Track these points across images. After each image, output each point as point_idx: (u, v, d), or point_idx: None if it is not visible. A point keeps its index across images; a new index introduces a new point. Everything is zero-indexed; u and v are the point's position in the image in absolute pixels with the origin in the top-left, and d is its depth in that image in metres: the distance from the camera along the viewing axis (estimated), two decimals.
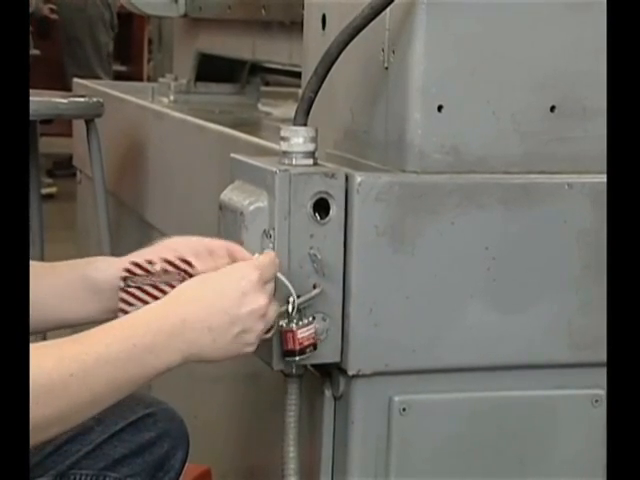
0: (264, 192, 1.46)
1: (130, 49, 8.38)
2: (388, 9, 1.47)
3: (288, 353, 1.44)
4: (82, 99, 2.86)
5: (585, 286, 1.53)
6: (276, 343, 1.45)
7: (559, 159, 1.55)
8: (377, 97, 1.55)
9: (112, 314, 1.50)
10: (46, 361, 1.22)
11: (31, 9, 6.36)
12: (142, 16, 4.49)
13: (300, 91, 1.60)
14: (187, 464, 1.67)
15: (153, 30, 7.87)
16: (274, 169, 1.44)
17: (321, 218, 1.45)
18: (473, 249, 1.49)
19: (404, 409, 1.50)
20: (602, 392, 1.54)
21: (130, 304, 1.45)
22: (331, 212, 1.45)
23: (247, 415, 1.95)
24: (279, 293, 1.42)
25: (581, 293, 1.53)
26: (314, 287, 1.45)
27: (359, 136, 1.61)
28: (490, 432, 1.54)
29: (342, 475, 1.53)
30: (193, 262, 1.46)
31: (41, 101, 2.75)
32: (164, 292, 1.44)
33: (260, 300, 1.35)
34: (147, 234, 2.55)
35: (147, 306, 1.37)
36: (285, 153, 1.48)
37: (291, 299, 1.43)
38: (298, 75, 1.86)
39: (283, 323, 1.44)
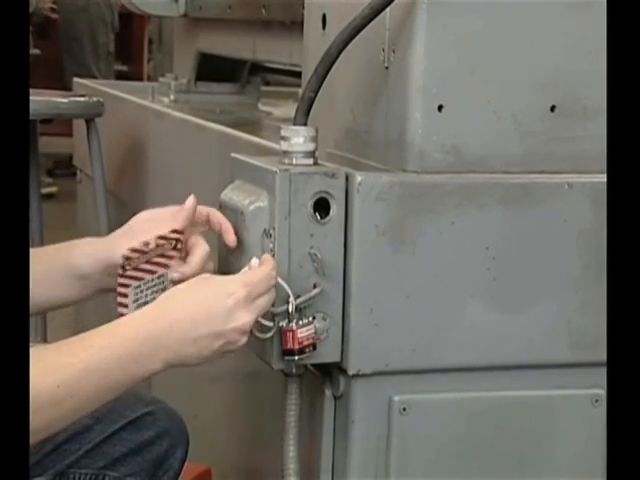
0: (264, 192, 1.46)
1: (130, 49, 8.38)
2: (388, 9, 1.47)
3: (287, 352, 1.44)
4: (82, 99, 2.86)
5: (585, 286, 1.53)
6: (276, 343, 1.45)
7: (559, 159, 1.55)
8: (377, 97, 1.55)
9: (100, 293, 1.53)
10: (32, 373, 1.22)
11: (31, 9, 6.35)
12: (142, 16, 4.48)
13: (300, 91, 1.60)
14: (187, 463, 1.67)
15: (153, 30, 7.87)
16: (274, 169, 1.44)
17: (321, 218, 1.45)
18: (473, 249, 1.49)
19: (404, 409, 1.50)
20: (602, 392, 1.54)
21: (127, 286, 1.47)
22: (331, 212, 1.45)
23: (247, 415, 1.95)
24: (279, 293, 1.42)
25: (581, 293, 1.53)
26: (314, 287, 1.45)
27: (359, 136, 1.61)
28: (490, 432, 1.54)
29: (342, 475, 1.53)
30: (180, 229, 1.49)
31: (41, 101, 2.75)
32: (158, 264, 1.48)
33: (245, 318, 1.36)
34: None
35: (134, 314, 1.38)
36: (285, 153, 1.48)
37: (290, 299, 1.43)
38: (298, 75, 1.86)
39: (283, 323, 1.44)
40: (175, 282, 1.47)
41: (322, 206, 1.45)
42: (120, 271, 1.46)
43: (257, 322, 1.40)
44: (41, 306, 1.54)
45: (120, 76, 7.55)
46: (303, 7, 1.77)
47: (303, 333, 1.43)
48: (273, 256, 1.44)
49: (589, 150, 1.55)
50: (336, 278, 1.46)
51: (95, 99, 2.83)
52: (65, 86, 5.09)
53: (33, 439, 1.24)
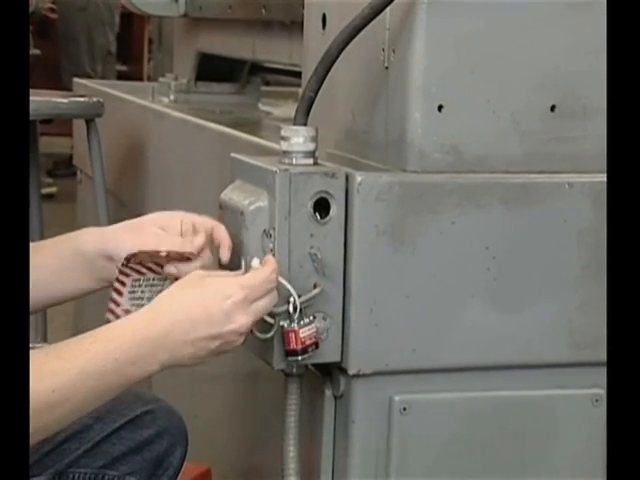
0: (264, 192, 1.46)
1: (130, 49, 8.37)
2: (388, 9, 1.47)
3: (291, 353, 1.44)
4: (82, 99, 2.86)
5: (585, 285, 1.53)
6: (277, 342, 1.45)
7: (559, 159, 1.55)
8: (377, 97, 1.55)
9: (106, 283, 1.52)
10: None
11: (31, 9, 6.35)
12: (142, 16, 4.49)
13: (300, 91, 1.60)
14: (186, 463, 1.67)
15: (153, 30, 7.87)
16: (274, 169, 1.44)
17: (321, 218, 1.45)
18: (473, 249, 1.49)
19: (404, 409, 1.50)
20: (602, 392, 1.54)
21: (127, 275, 1.47)
22: (331, 212, 1.45)
23: (247, 415, 1.95)
24: (279, 293, 1.42)
25: (581, 292, 1.53)
26: (314, 287, 1.45)
27: (359, 136, 1.61)
28: (490, 432, 1.54)
29: (342, 474, 1.53)
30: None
31: (41, 101, 2.75)
32: (162, 266, 1.47)
33: (242, 320, 1.36)
34: None
35: (130, 316, 1.38)
36: (285, 153, 1.48)
37: (292, 299, 1.43)
38: (298, 75, 1.86)
39: (284, 323, 1.44)
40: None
41: (322, 206, 1.45)
42: (123, 262, 1.46)
43: (257, 322, 1.40)
44: (50, 298, 1.54)
45: (120, 76, 7.55)
46: (303, 7, 1.77)
47: (305, 333, 1.43)
48: (273, 256, 1.44)
49: (589, 150, 1.55)
50: (336, 278, 1.46)
51: (95, 99, 2.83)
52: (62, 86, 5.10)
53: (30, 442, 1.24)
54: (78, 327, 3.38)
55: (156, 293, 1.46)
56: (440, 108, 1.49)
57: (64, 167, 6.98)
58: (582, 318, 1.54)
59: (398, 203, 1.46)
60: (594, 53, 1.51)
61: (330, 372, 1.52)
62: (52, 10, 7.46)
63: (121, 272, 1.47)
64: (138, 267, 1.47)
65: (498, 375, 1.54)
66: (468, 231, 1.49)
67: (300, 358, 1.44)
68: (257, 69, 3.05)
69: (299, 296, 1.44)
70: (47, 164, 7.00)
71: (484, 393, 1.54)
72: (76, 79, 3.67)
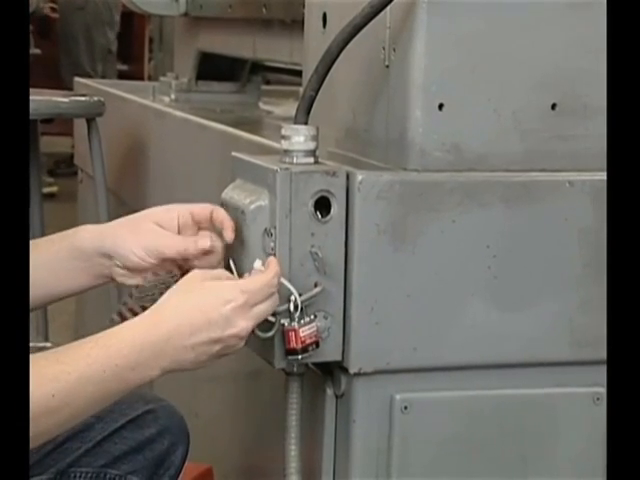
0: (265, 191, 1.46)
1: (131, 48, 8.38)
2: (389, 7, 1.47)
3: (291, 352, 1.44)
4: (83, 98, 2.86)
5: (586, 284, 1.53)
6: (278, 341, 1.45)
7: (560, 157, 1.55)
8: (378, 95, 1.55)
9: (104, 279, 1.52)
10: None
11: (32, 8, 6.36)
12: (143, 15, 4.48)
13: (301, 90, 1.60)
14: (188, 462, 1.67)
15: (154, 29, 7.87)
16: (275, 168, 1.44)
17: (322, 216, 1.45)
18: (474, 247, 1.49)
19: (405, 407, 1.50)
20: (603, 390, 1.54)
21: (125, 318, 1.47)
22: (332, 210, 1.45)
23: (248, 414, 1.95)
24: (280, 292, 1.42)
25: (582, 291, 1.53)
26: (315, 285, 1.45)
27: (360, 134, 1.61)
28: (491, 430, 1.54)
29: (344, 473, 1.53)
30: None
31: (42, 100, 2.75)
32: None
33: (243, 324, 1.36)
34: None
35: (131, 321, 1.37)
36: (286, 152, 1.48)
37: (292, 298, 1.43)
38: (299, 74, 1.86)
39: (285, 322, 1.44)
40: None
41: (323, 205, 1.45)
42: (129, 295, 1.46)
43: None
44: (48, 295, 1.54)
45: (121, 75, 7.56)
46: (303, 6, 1.77)
47: (305, 332, 1.43)
48: (274, 255, 1.44)
49: (590, 148, 1.55)
50: (337, 277, 1.46)
51: (96, 99, 2.83)
52: (63, 85, 5.10)
53: (30, 446, 1.23)
54: (79, 326, 3.38)
55: (165, 289, 1.45)
56: (441, 107, 1.49)
57: (65, 166, 6.99)
58: (583, 316, 1.54)
59: (399, 202, 1.46)
60: (594, 51, 1.51)
61: (331, 371, 1.53)
62: (53, 10, 7.46)
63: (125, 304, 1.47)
64: (136, 308, 1.47)
65: (499, 374, 1.54)
66: (469, 230, 1.49)
67: (300, 357, 1.44)
68: (258, 68, 3.04)
69: (300, 295, 1.44)
70: (48, 163, 7.01)
71: (485, 392, 1.54)
72: (77, 78, 3.67)
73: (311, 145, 1.48)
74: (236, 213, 1.49)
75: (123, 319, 1.45)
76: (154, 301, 1.42)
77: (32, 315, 1.36)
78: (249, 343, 1.41)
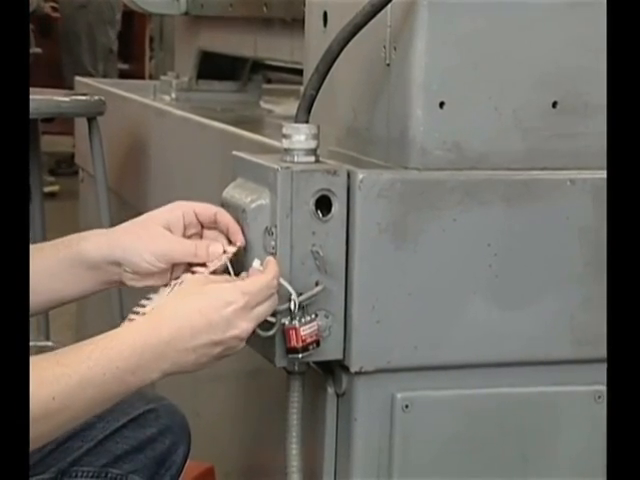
0: (266, 190, 1.46)
1: (132, 47, 8.38)
2: (389, 6, 1.47)
3: (291, 350, 1.44)
4: (84, 97, 2.86)
5: (587, 282, 1.53)
6: (279, 340, 1.45)
7: (561, 155, 1.55)
8: (379, 94, 1.55)
9: (109, 285, 1.52)
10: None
11: (33, 7, 6.36)
12: (144, 14, 4.48)
13: (302, 88, 1.60)
14: (189, 461, 1.67)
15: (155, 28, 7.86)
16: (276, 166, 1.44)
17: (323, 215, 1.45)
18: (475, 246, 1.49)
19: (406, 406, 1.50)
20: (604, 388, 1.53)
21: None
22: (333, 209, 1.45)
23: (250, 412, 1.95)
24: (281, 291, 1.42)
25: (583, 289, 1.53)
26: (316, 284, 1.45)
27: (361, 133, 1.61)
28: (492, 429, 1.54)
29: (345, 472, 1.53)
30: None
31: (43, 99, 2.75)
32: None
33: (243, 326, 1.36)
34: None
35: (132, 324, 1.37)
36: (287, 150, 1.48)
37: (293, 297, 1.43)
38: (300, 72, 1.86)
39: (285, 321, 1.44)
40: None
41: (324, 204, 1.45)
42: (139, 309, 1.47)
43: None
44: (49, 301, 1.53)
45: (122, 75, 7.57)
46: (304, 5, 1.77)
47: (306, 331, 1.43)
48: (275, 254, 1.44)
49: (591, 146, 1.55)
50: (338, 276, 1.46)
51: (97, 98, 2.83)
52: (64, 85, 5.10)
53: (30, 448, 1.23)
54: (80, 326, 3.38)
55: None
56: (442, 105, 1.49)
57: (66, 166, 6.99)
58: (584, 315, 1.54)
59: (400, 200, 1.46)
60: (595, 50, 1.51)
61: (332, 370, 1.53)
62: (54, 9, 7.46)
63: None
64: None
65: (500, 372, 1.54)
66: (470, 228, 1.49)
67: (300, 356, 1.44)
68: (258, 67, 3.04)
69: (301, 294, 1.44)
70: (49, 163, 7.01)
71: (486, 390, 1.54)
72: (78, 78, 3.67)
73: (312, 144, 1.48)
74: (237, 212, 1.49)
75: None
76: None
77: (33, 316, 1.35)
78: (250, 342, 1.41)
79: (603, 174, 1.46)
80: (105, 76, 7.03)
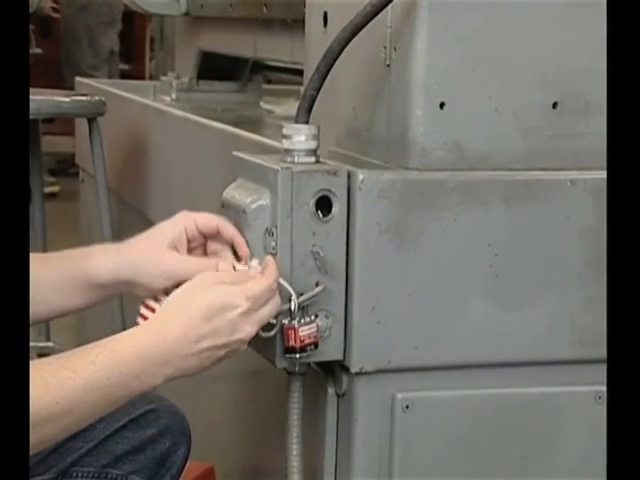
0: (266, 190, 1.46)
1: (132, 48, 8.38)
2: (390, 6, 1.47)
3: (289, 350, 1.44)
4: (84, 98, 2.86)
5: (588, 283, 1.53)
6: (279, 341, 1.45)
7: (561, 156, 1.55)
8: (379, 94, 1.55)
9: (110, 299, 1.53)
10: (31, 389, 1.21)
11: (33, 8, 6.35)
12: (144, 15, 4.48)
13: (302, 89, 1.60)
14: (190, 461, 1.67)
15: (155, 29, 7.87)
16: (276, 167, 1.44)
17: (323, 216, 1.45)
18: (476, 246, 1.49)
19: (407, 406, 1.50)
20: (605, 389, 1.53)
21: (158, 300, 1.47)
22: (333, 210, 1.45)
23: (250, 413, 1.95)
24: (281, 291, 1.42)
25: (584, 290, 1.53)
26: (316, 285, 1.45)
27: (361, 133, 1.61)
28: (493, 429, 1.54)
29: (345, 472, 1.53)
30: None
31: (43, 100, 2.75)
32: None
33: (247, 329, 1.36)
34: None
35: (137, 328, 1.37)
36: (287, 151, 1.48)
37: (293, 297, 1.43)
38: (300, 73, 1.86)
39: (285, 321, 1.44)
40: None
41: (324, 204, 1.45)
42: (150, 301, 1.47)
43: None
44: (54, 311, 1.53)
45: (122, 75, 7.56)
46: (304, 5, 1.77)
47: (305, 332, 1.43)
48: (275, 254, 1.44)
49: (591, 147, 1.55)
50: (338, 276, 1.46)
51: (97, 98, 2.83)
52: (64, 85, 5.10)
53: (32, 452, 1.23)
54: (80, 327, 3.38)
55: None
56: (442, 105, 1.49)
57: (66, 166, 6.98)
58: (585, 315, 1.54)
59: (400, 201, 1.46)
60: (596, 50, 1.51)
61: (332, 370, 1.52)
62: (54, 9, 7.46)
63: (147, 306, 1.47)
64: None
65: (500, 372, 1.54)
66: (470, 228, 1.49)
67: (298, 356, 1.44)
68: (259, 67, 3.05)
69: (301, 294, 1.44)
70: (49, 163, 7.01)
71: (486, 391, 1.54)
72: (78, 78, 3.67)
73: (312, 144, 1.48)
74: (237, 212, 1.49)
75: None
76: None
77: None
78: (251, 343, 1.41)
79: (603, 174, 1.46)
80: (108, 77, 7.02)
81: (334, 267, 1.46)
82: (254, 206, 1.46)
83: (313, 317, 1.44)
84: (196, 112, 2.48)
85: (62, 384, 1.26)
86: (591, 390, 1.56)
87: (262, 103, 3.05)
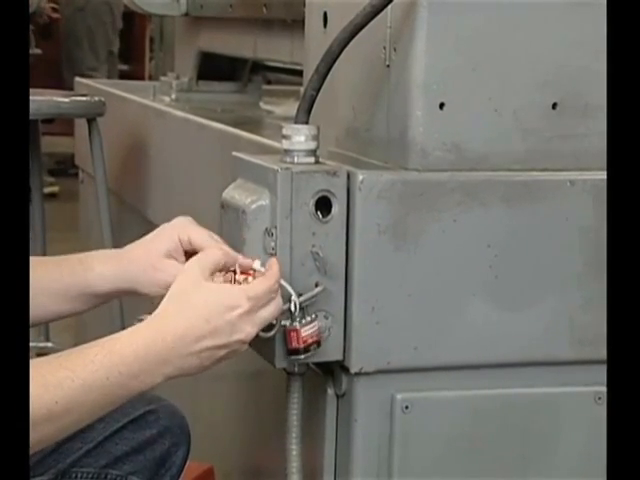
0: (266, 190, 1.46)
1: (132, 48, 8.39)
2: (389, 7, 1.47)
3: (293, 352, 1.44)
4: (84, 98, 2.86)
5: (587, 283, 1.53)
6: (279, 341, 1.45)
7: (561, 156, 1.55)
8: (379, 95, 1.55)
9: (106, 303, 1.54)
10: (31, 388, 1.21)
11: (33, 8, 6.36)
12: (144, 15, 4.49)
13: (302, 89, 1.60)
14: (189, 462, 1.67)
15: (155, 29, 7.88)
16: (276, 167, 1.44)
17: (323, 216, 1.45)
18: (475, 246, 1.49)
19: (406, 407, 1.50)
20: (604, 389, 1.53)
21: None
22: (333, 210, 1.45)
23: (250, 413, 1.95)
24: (281, 292, 1.42)
25: (583, 290, 1.53)
26: (316, 285, 1.45)
27: (361, 134, 1.61)
28: (492, 430, 1.54)
29: (345, 473, 1.53)
30: None
31: (43, 100, 2.75)
32: None
33: (248, 329, 1.36)
34: (149, 232, 2.55)
35: (136, 327, 1.36)
36: (287, 151, 1.48)
37: (293, 298, 1.43)
38: (300, 73, 1.86)
39: (286, 322, 1.44)
40: None
41: (324, 204, 1.45)
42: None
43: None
44: (50, 316, 1.54)
45: (122, 75, 7.57)
46: (304, 5, 1.77)
47: (307, 331, 1.43)
48: (275, 255, 1.44)
49: (591, 147, 1.55)
50: (338, 276, 1.46)
51: (96, 98, 2.83)
52: (64, 85, 5.10)
53: (31, 451, 1.23)
54: (80, 326, 3.38)
55: None
56: (442, 106, 1.49)
57: (66, 167, 6.98)
58: (584, 315, 1.54)
59: (400, 201, 1.46)
60: (596, 50, 1.51)
61: (332, 371, 1.52)
62: (54, 10, 7.46)
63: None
64: None
65: (500, 373, 1.54)
66: (470, 229, 1.49)
67: (303, 357, 1.44)
68: (258, 68, 3.05)
69: (300, 295, 1.44)
70: (49, 163, 7.01)
71: (486, 391, 1.54)
72: (77, 78, 3.67)
73: (312, 145, 1.48)
74: (237, 213, 1.49)
75: None
76: None
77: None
78: (250, 343, 1.41)
79: (603, 175, 1.46)
80: (107, 77, 7.03)
81: (334, 267, 1.46)
82: (254, 206, 1.46)
83: (314, 316, 1.44)
84: (196, 112, 2.48)
85: (61, 384, 1.26)
86: (590, 391, 1.56)
87: (262, 103, 3.05)
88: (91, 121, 2.84)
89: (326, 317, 1.46)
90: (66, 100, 2.82)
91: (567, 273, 1.53)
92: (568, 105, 1.54)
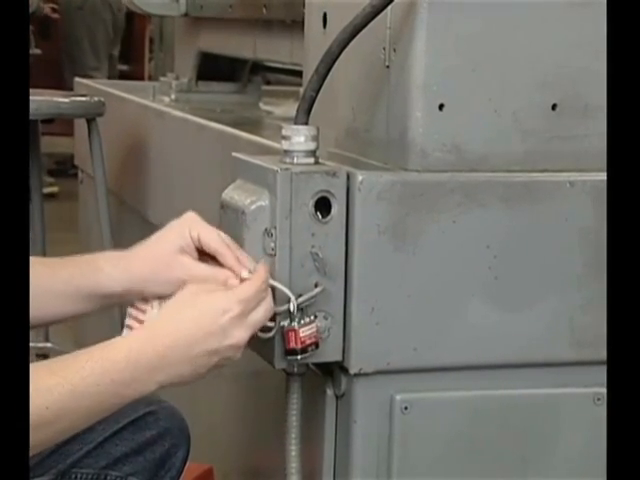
0: (265, 191, 1.46)
1: (131, 48, 8.38)
2: (389, 7, 1.47)
3: (290, 352, 1.44)
4: (83, 98, 2.86)
5: (587, 284, 1.53)
6: (278, 342, 1.45)
7: (561, 157, 1.55)
8: (378, 96, 1.55)
9: (110, 307, 1.52)
10: None
11: (32, 8, 6.36)
12: (143, 15, 4.49)
13: (301, 90, 1.60)
14: (189, 463, 1.67)
15: (154, 29, 7.87)
16: (275, 168, 1.44)
17: (322, 217, 1.45)
18: (475, 247, 1.49)
19: (406, 407, 1.50)
20: (604, 390, 1.53)
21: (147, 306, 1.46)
22: (332, 211, 1.45)
23: (249, 414, 1.95)
24: (280, 293, 1.42)
25: (583, 291, 1.53)
26: (315, 286, 1.45)
27: (360, 135, 1.61)
28: (492, 430, 1.54)
29: (344, 474, 1.53)
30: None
31: (42, 100, 2.75)
32: None
33: (240, 333, 1.35)
34: (148, 233, 2.55)
35: (128, 336, 1.36)
36: (286, 152, 1.48)
37: (292, 298, 1.43)
38: (299, 74, 1.86)
39: (285, 323, 1.44)
40: None
41: (323, 205, 1.45)
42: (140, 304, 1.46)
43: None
44: (54, 318, 1.53)
45: (121, 76, 7.57)
46: (304, 6, 1.77)
47: (305, 332, 1.43)
48: (274, 255, 1.44)
49: (590, 148, 1.55)
50: (337, 277, 1.46)
51: (96, 99, 2.84)
52: (64, 86, 5.10)
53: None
54: (79, 327, 3.38)
55: None
56: (441, 107, 1.49)
57: (66, 167, 6.99)
58: (584, 316, 1.54)
59: (399, 202, 1.46)
60: (595, 51, 1.51)
61: (331, 371, 1.52)
62: (53, 10, 7.46)
63: (137, 308, 1.46)
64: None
65: (499, 374, 1.54)
66: (469, 230, 1.49)
67: (300, 357, 1.44)
68: (258, 68, 3.05)
69: (300, 295, 1.44)
70: (49, 164, 7.01)
71: (485, 392, 1.54)
72: (77, 79, 3.67)
73: (311, 145, 1.48)
74: (236, 213, 1.49)
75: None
76: None
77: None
78: (250, 344, 1.41)
79: (603, 176, 1.46)
80: (107, 78, 7.03)
81: (333, 268, 1.46)
82: (253, 207, 1.46)
83: (312, 317, 1.44)
84: (195, 113, 2.48)
85: (51, 390, 1.25)
86: (590, 392, 1.56)
87: (261, 104, 3.05)
88: (91, 121, 2.84)
89: (325, 318, 1.46)
90: (66, 100, 2.82)
91: (567, 274, 1.53)
92: (568, 106, 1.54)
